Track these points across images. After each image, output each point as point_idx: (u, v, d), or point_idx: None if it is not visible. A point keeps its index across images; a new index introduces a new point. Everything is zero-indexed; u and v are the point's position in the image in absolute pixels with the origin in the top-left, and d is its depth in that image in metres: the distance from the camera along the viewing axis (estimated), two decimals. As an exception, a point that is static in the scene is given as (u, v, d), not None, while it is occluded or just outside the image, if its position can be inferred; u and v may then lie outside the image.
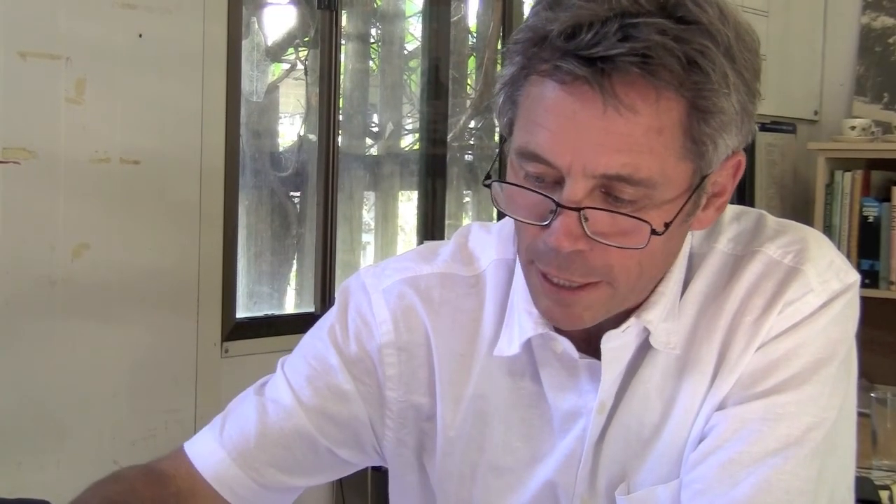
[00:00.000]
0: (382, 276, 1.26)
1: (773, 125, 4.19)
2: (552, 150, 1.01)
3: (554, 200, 1.02)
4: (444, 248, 1.27)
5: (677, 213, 1.04)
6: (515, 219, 1.08)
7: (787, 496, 1.07)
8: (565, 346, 1.14)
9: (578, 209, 1.01)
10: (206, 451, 1.25)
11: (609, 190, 1.02)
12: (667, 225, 1.03)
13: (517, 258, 1.18)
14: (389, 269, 1.27)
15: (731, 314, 1.13)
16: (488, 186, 1.08)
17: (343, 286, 1.29)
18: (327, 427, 1.24)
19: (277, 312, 3.29)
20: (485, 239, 1.25)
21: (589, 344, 1.14)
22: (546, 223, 1.03)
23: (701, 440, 1.13)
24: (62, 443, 2.52)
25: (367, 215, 3.70)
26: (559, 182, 1.02)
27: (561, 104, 1.00)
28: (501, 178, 1.08)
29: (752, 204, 3.89)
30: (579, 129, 1.00)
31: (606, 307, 1.09)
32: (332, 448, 1.25)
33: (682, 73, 0.99)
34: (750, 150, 3.93)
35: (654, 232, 1.02)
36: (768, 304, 1.12)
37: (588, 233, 1.02)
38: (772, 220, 1.19)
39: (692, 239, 1.17)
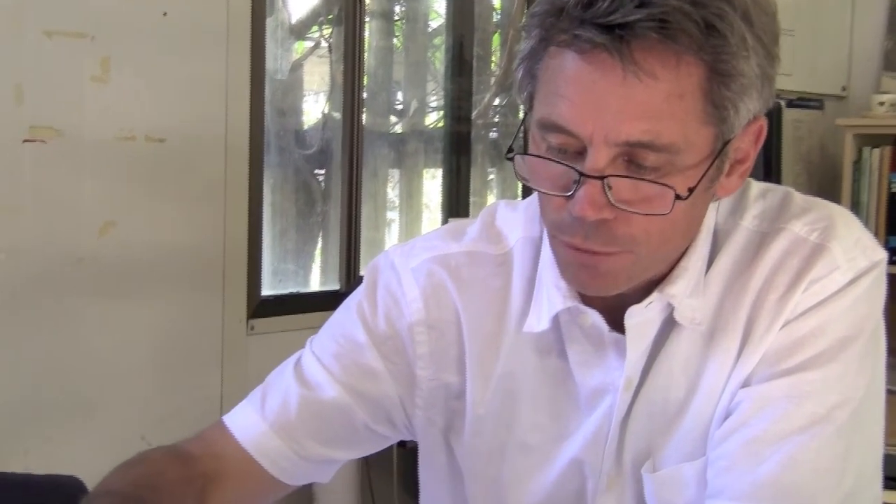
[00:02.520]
0: (411, 255, 1.26)
1: (801, 101, 4.16)
2: (573, 119, 1.01)
3: (577, 170, 1.02)
4: (472, 227, 1.27)
5: (700, 179, 1.04)
6: (539, 191, 1.08)
7: (812, 474, 1.07)
8: (594, 318, 1.14)
9: (602, 178, 1.01)
10: (248, 424, 1.25)
11: (632, 157, 1.01)
12: (690, 190, 1.03)
13: (543, 235, 1.18)
14: (418, 247, 1.27)
15: (755, 291, 1.13)
16: (511, 160, 1.08)
17: (371, 265, 1.29)
18: (360, 403, 1.24)
19: (302, 290, 3.30)
20: (511, 217, 1.25)
21: (615, 321, 1.14)
22: (570, 193, 1.03)
23: (726, 417, 1.12)
24: (90, 419, 2.54)
25: (392, 193, 3.70)
26: (581, 152, 1.02)
27: (581, 74, 1.00)
28: (524, 151, 1.08)
29: (778, 181, 3.86)
30: (600, 98, 1.00)
31: (629, 274, 1.09)
32: (368, 423, 1.26)
33: (700, 36, 0.98)
34: (777, 127, 3.91)
35: (678, 197, 1.02)
36: (793, 281, 1.12)
37: (612, 201, 1.02)
38: (798, 198, 1.18)
39: (716, 215, 1.17)
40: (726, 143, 1.05)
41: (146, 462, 1.20)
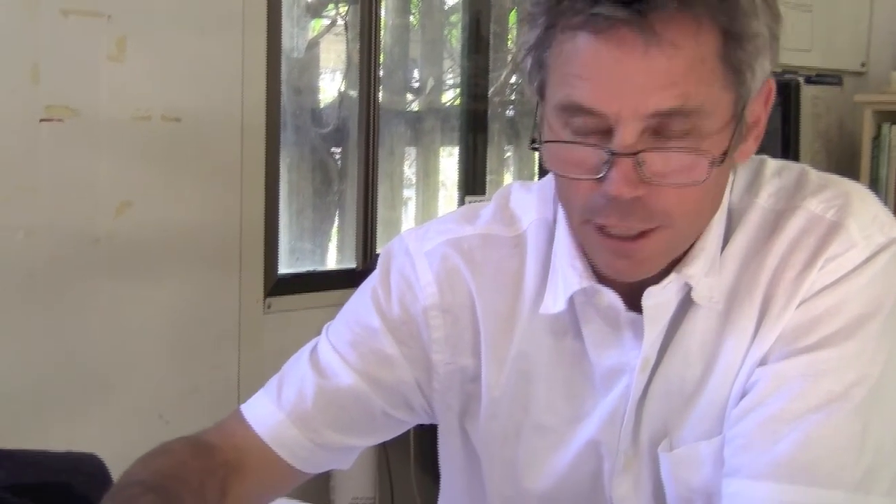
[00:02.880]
0: (425, 239, 1.25)
1: (819, 77, 4.13)
2: (599, 99, 1.01)
3: (607, 150, 1.01)
4: (486, 209, 1.26)
5: (730, 142, 1.04)
6: (569, 177, 1.07)
7: (830, 452, 1.07)
8: (611, 298, 1.13)
9: (634, 154, 1.01)
10: (265, 414, 1.25)
11: (659, 129, 1.01)
12: (724, 154, 1.03)
13: (558, 217, 1.17)
14: (432, 231, 1.27)
15: (772, 270, 1.12)
16: (535, 150, 1.07)
17: (385, 249, 1.29)
18: (378, 390, 1.24)
19: (319, 268, 3.30)
20: (525, 199, 1.25)
21: (631, 301, 1.13)
22: (601, 175, 1.02)
23: (743, 396, 1.12)
24: (108, 397, 2.56)
25: (409, 171, 3.70)
26: (606, 131, 1.02)
27: (600, 53, 1.00)
28: (541, 141, 1.07)
29: (797, 158, 3.85)
30: (624, 74, 0.99)
31: (666, 253, 1.09)
32: (386, 409, 1.26)
33: (715, 0, 0.98)
34: (795, 104, 3.89)
35: (713, 163, 1.02)
36: (810, 259, 1.11)
37: (646, 176, 1.01)
38: (814, 175, 1.18)
39: (731, 194, 1.16)
40: (744, 106, 1.05)
41: (169, 453, 1.20)
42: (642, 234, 1.05)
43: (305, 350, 1.28)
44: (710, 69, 1.00)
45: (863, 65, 4.38)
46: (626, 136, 1.00)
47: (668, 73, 0.99)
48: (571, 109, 1.03)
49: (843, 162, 4.20)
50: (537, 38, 1.05)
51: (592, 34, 1.00)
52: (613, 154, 1.01)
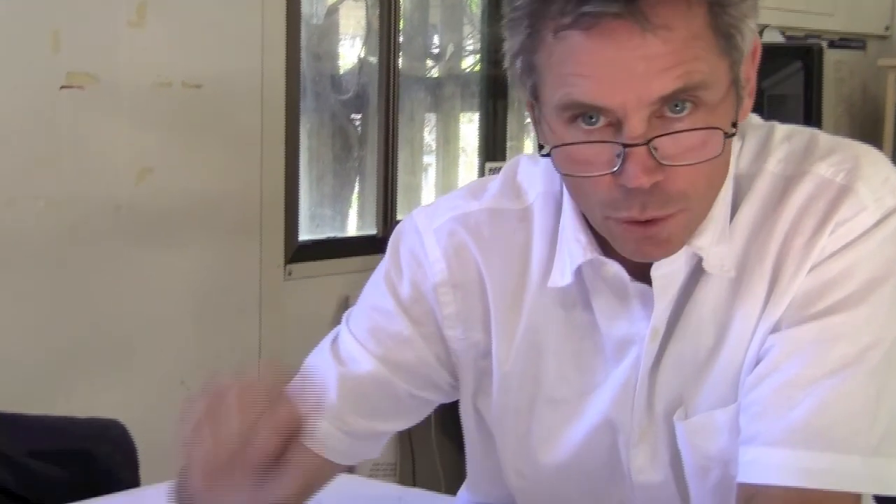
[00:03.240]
0: (434, 216, 1.25)
1: (842, 42, 4.10)
2: (602, 94, 1.00)
3: (619, 143, 1.01)
4: (493, 183, 1.26)
5: (737, 110, 1.05)
6: (584, 177, 1.06)
7: (845, 416, 1.06)
8: (615, 269, 1.13)
9: (647, 142, 1.00)
10: None
11: (665, 112, 1.01)
12: (734, 124, 1.03)
13: (563, 190, 1.17)
14: (441, 207, 1.27)
15: (782, 236, 1.12)
16: (547, 155, 1.06)
17: (396, 230, 1.29)
18: (400, 374, 1.24)
19: (339, 235, 3.31)
20: (532, 171, 1.24)
21: (641, 271, 1.13)
22: (615, 169, 1.02)
23: (757, 363, 1.12)
24: (130, 364, 2.58)
25: (429, 137, 3.70)
26: (613, 124, 1.02)
27: (596, 49, 1.00)
28: (537, 147, 1.07)
29: (819, 124, 3.82)
30: (623, 66, 0.99)
31: (688, 229, 1.09)
32: (411, 391, 1.26)
33: None
34: (818, 69, 3.86)
35: (726, 134, 1.02)
36: (819, 224, 1.10)
37: (661, 161, 1.01)
38: (824, 139, 1.17)
39: (738, 161, 1.15)
40: (738, 69, 1.05)
41: None
42: (664, 218, 1.05)
43: (327, 341, 1.28)
44: (704, 43, 1.01)
45: (887, 28, 4.34)
46: (635, 126, 1.00)
47: (666, 56, 0.99)
48: (573, 107, 1.02)
49: (867, 127, 4.18)
50: (522, 44, 1.05)
51: (584, 31, 0.99)
52: (626, 146, 1.01)
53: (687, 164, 1.02)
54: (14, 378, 2.28)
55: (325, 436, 1.22)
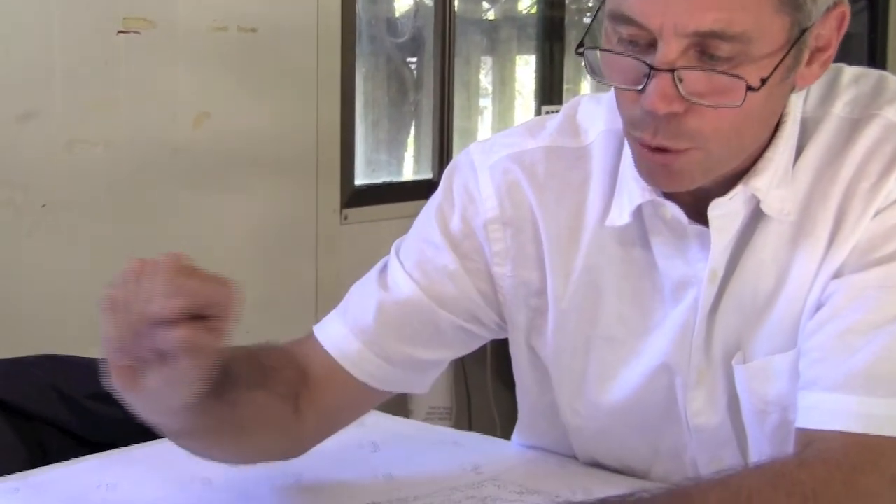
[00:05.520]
0: (490, 152, 1.25)
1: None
2: (643, 11, 1.00)
3: (647, 63, 1.01)
4: (552, 121, 1.26)
5: (775, 69, 1.02)
6: (611, 85, 1.07)
7: (907, 363, 1.05)
8: (674, 211, 1.13)
9: (672, 70, 1.00)
10: (333, 331, 1.26)
11: (704, 48, 1.00)
12: (763, 81, 1.01)
13: None
14: (497, 144, 1.26)
15: (846, 180, 1.10)
16: (581, 55, 1.07)
17: (451, 164, 1.29)
18: (443, 306, 1.25)
19: (395, 179, 3.31)
20: (594, 110, 1.24)
21: (699, 213, 1.12)
22: (641, 87, 1.02)
23: (818, 309, 1.11)
24: (188, 307, 2.59)
25: (485, 80, 3.68)
26: (652, 45, 1.01)
27: None
28: (586, 47, 1.06)
29: (883, 65, 3.75)
30: None
31: (703, 170, 1.08)
32: (456, 322, 1.26)
33: None
34: (883, 8, 3.78)
35: (749, 88, 1.00)
36: (886, 168, 1.08)
37: (683, 94, 1.00)
38: (893, 81, 1.14)
39: (804, 104, 1.14)
40: (804, 31, 1.02)
41: (247, 348, 1.21)
42: (677, 152, 1.04)
43: (375, 269, 1.29)
44: None
45: (955, -35, 4.23)
46: (666, 52, 1.00)
47: None
48: (620, 19, 1.03)
49: (933, 67, 4.10)
50: None
51: None
52: (652, 68, 1.00)
53: (704, 105, 1.01)
54: (74, 321, 2.30)
55: (360, 359, 1.24)
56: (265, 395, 1.17)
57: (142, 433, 1.20)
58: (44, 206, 2.35)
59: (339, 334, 1.25)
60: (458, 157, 1.28)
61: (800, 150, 1.12)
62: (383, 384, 1.26)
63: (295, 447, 1.24)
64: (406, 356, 1.25)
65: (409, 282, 1.24)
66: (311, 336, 1.27)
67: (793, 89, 1.09)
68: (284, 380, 1.20)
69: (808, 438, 1.07)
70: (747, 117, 1.04)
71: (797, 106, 1.12)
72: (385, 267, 1.28)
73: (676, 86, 1.00)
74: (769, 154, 1.10)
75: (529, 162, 1.23)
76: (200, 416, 1.07)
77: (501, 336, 1.30)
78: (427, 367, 1.29)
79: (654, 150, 1.05)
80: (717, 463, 1.19)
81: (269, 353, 1.22)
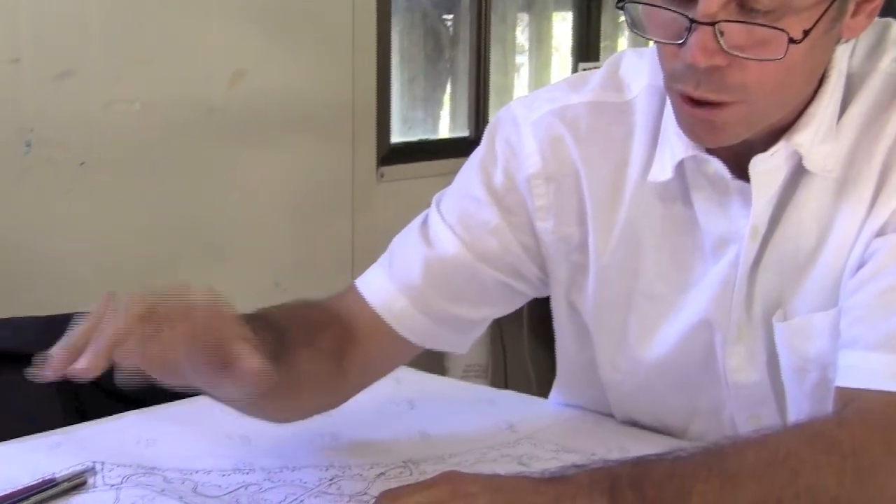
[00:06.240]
0: (532, 108, 1.24)
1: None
2: None
3: (687, 17, 0.99)
4: (595, 76, 1.25)
5: (818, 20, 1.00)
6: (651, 39, 1.06)
7: (949, 322, 1.04)
8: (717, 166, 1.12)
9: (713, 23, 0.99)
10: (377, 285, 1.26)
11: (745, 2, 0.98)
12: (805, 33, 0.99)
13: None
14: (540, 99, 1.25)
15: (892, 137, 1.08)
16: (621, 8, 1.05)
17: (494, 119, 1.28)
18: (486, 261, 1.24)
19: (431, 137, 3.30)
20: (637, 65, 1.22)
21: (742, 169, 1.11)
22: (682, 41, 1.01)
23: (860, 267, 1.09)
24: (225, 265, 2.61)
25: (521, 37, 3.65)
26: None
27: None
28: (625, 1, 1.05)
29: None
30: None
31: (746, 124, 1.07)
32: (499, 277, 1.26)
33: None
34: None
35: (791, 41, 0.99)
36: None
37: (724, 47, 0.99)
38: None
39: (850, 59, 1.12)
40: None
41: (288, 306, 1.21)
42: (719, 105, 1.03)
43: (416, 222, 1.29)
44: None
45: None
46: (708, 4, 0.99)
47: None
48: None
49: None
50: None
51: None
52: (693, 22, 0.99)
53: (746, 58, 1.00)
54: (110, 279, 2.32)
55: (403, 314, 1.24)
56: (314, 352, 1.17)
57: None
58: (82, 164, 2.36)
59: (384, 289, 1.25)
60: (500, 112, 1.28)
61: (845, 106, 1.11)
62: (425, 341, 1.26)
63: (334, 401, 1.25)
64: (451, 315, 1.25)
65: (451, 237, 1.24)
66: (352, 290, 1.27)
67: (838, 41, 1.07)
68: (331, 336, 1.20)
69: (848, 397, 1.06)
70: (790, 70, 1.03)
71: (843, 60, 1.10)
72: (426, 220, 1.27)
73: (717, 39, 0.99)
74: (812, 109, 1.09)
75: (572, 117, 1.22)
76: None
77: (544, 293, 1.30)
78: (470, 327, 1.29)
79: (696, 105, 1.04)
80: (756, 421, 1.19)
81: (314, 309, 1.23)
